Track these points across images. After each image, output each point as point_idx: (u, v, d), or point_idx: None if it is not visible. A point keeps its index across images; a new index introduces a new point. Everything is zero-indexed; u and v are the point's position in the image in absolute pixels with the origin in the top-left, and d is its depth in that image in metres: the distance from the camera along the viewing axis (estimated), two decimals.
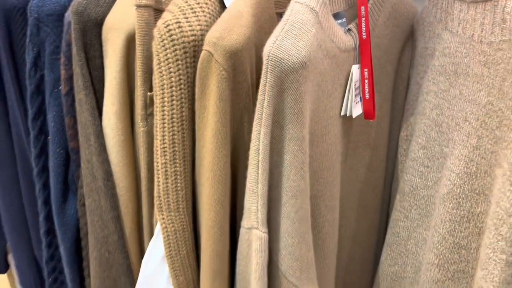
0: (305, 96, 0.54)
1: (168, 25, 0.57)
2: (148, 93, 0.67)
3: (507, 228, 0.45)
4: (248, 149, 0.58)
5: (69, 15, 0.71)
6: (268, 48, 0.52)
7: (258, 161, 0.55)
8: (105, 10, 0.68)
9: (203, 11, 0.60)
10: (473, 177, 0.53)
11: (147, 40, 0.65)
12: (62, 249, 0.84)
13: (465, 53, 0.54)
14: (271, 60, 0.52)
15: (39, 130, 0.80)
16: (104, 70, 0.69)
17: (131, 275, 0.75)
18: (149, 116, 0.68)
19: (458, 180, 0.55)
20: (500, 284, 0.49)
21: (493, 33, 0.49)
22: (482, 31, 0.51)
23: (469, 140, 0.53)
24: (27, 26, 0.80)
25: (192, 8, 0.59)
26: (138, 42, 0.64)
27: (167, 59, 0.58)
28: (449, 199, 0.57)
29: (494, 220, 0.47)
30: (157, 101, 0.60)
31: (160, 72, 0.58)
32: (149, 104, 0.67)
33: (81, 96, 0.68)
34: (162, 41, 0.57)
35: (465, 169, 0.54)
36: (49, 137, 0.79)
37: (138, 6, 0.64)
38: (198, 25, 0.59)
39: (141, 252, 0.76)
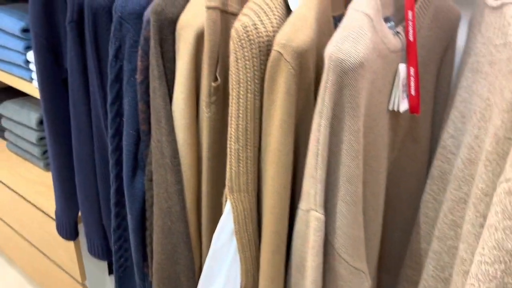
0: (362, 92, 0.62)
1: (246, 26, 0.66)
2: (212, 83, 0.77)
3: (484, 206, 0.51)
4: (307, 138, 0.66)
5: (148, 14, 0.82)
6: (330, 50, 0.60)
7: (318, 149, 0.63)
8: (179, 10, 0.78)
9: (274, 14, 0.69)
10: (472, 163, 0.59)
11: (213, 37, 0.75)
12: (129, 218, 0.96)
13: (483, 52, 0.60)
14: (333, 61, 0.60)
15: (115, 113, 0.93)
16: (176, 62, 0.80)
17: (189, 242, 0.86)
18: (212, 103, 0.78)
19: (461, 165, 0.61)
20: None
21: (498, 36, 0.55)
22: (493, 34, 0.57)
23: (473, 130, 0.59)
24: (111, 23, 0.92)
25: (265, 12, 0.68)
26: (206, 38, 0.74)
27: (244, 57, 0.67)
28: (453, 181, 0.63)
29: (473, 199, 0.53)
30: (233, 93, 0.69)
31: (237, 68, 0.68)
32: (212, 93, 0.77)
33: (155, 84, 0.79)
34: (240, 41, 0.67)
35: (467, 155, 0.60)
36: (124, 119, 0.91)
37: (208, 8, 0.74)
38: (271, 26, 0.68)
39: (199, 223, 0.86)
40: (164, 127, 0.80)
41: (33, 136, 1.57)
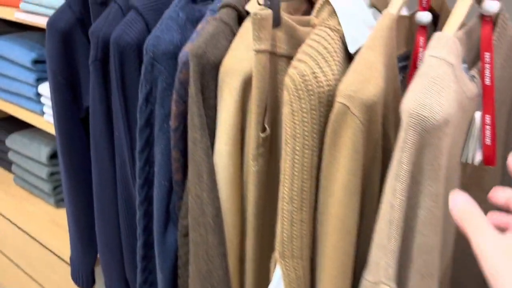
0: (444, 151, 0.53)
1: (304, 75, 0.58)
2: (261, 134, 0.68)
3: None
4: (372, 199, 0.57)
5: (184, 55, 0.74)
6: (410, 105, 0.52)
7: (393, 217, 0.54)
8: (221, 53, 0.70)
9: (333, 59, 0.61)
10: None
11: (263, 83, 0.66)
12: (160, 276, 0.86)
13: None
14: (413, 118, 0.51)
15: (145, 162, 0.84)
16: (218, 110, 0.71)
17: None
18: (259, 156, 0.69)
19: None
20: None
21: None
22: None
23: None
24: (138, 62, 0.84)
25: (324, 57, 0.60)
26: (255, 85, 0.66)
27: (301, 109, 0.59)
28: None
29: None
30: (287, 149, 0.61)
31: (293, 122, 0.59)
32: (261, 144, 0.69)
33: (196, 135, 0.71)
34: (297, 91, 0.58)
35: None
36: (155, 169, 0.82)
37: (257, 51, 0.65)
38: (332, 74, 0.60)
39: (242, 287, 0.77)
40: (206, 182, 0.71)
41: (43, 171, 1.47)
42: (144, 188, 0.86)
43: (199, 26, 0.78)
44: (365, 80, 0.58)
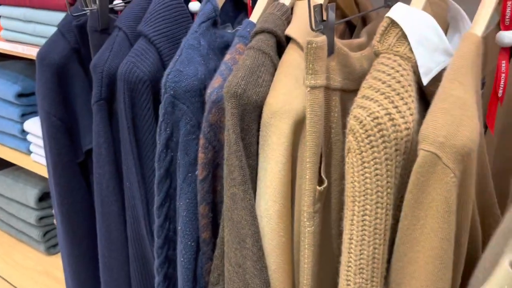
0: None
1: (377, 117, 0.47)
2: (317, 187, 0.56)
3: None
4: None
5: (214, 92, 0.61)
6: None
7: None
8: (265, 90, 0.58)
9: (410, 96, 0.49)
10: None
11: (319, 127, 0.54)
12: None
13: None
14: None
15: (165, 218, 0.70)
16: (262, 159, 0.58)
17: None
18: (315, 213, 0.57)
19: None
20: None
21: None
22: None
23: None
24: (152, 100, 0.71)
25: (398, 93, 0.48)
26: (310, 128, 0.53)
27: (374, 159, 0.47)
28: None
29: None
30: (355, 209, 0.48)
31: (363, 175, 0.47)
32: (317, 199, 0.56)
33: (237, 191, 0.58)
34: (368, 137, 0.46)
35: None
36: (178, 227, 0.68)
37: (312, 88, 0.53)
38: (410, 114, 0.48)
39: None
40: (250, 248, 0.58)
41: (31, 215, 1.31)
42: (164, 248, 0.72)
43: (227, 56, 0.65)
44: (457, 122, 0.46)
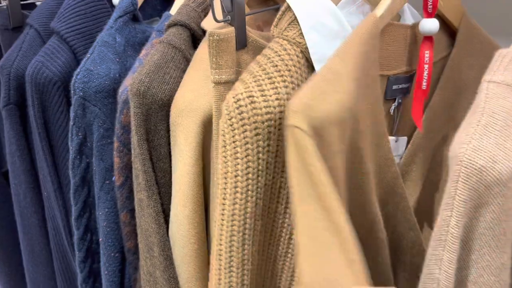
0: (510, 212, 0.38)
1: (239, 99, 0.43)
2: None
3: None
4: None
5: (124, 92, 0.56)
6: (460, 150, 0.37)
7: None
8: (172, 87, 0.53)
9: (284, 80, 0.45)
10: None
11: None
12: None
13: None
14: (465, 167, 0.36)
15: (84, 229, 0.65)
16: (172, 161, 0.54)
17: None
18: None
19: None
20: None
21: None
22: None
23: None
24: (65, 102, 0.66)
25: (270, 78, 0.45)
26: (216, 127, 0.49)
27: (234, 142, 0.44)
28: None
29: None
30: (218, 191, 0.45)
31: (225, 157, 0.44)
32: None
33: (142, 197, 0.53)
34: (229, 119, 0.44)
35: None
36: (99, 239, 0.63)
37: (217, 83, 0.49)
38: (276, 99, 0.44)
39: None
40: (157, 257, 0.53)
41: None
42: (86, 262, 0.67)
43: (143, 52, 0.61)
44: (322, 94, 0.42)
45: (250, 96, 0.44)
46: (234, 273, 0.47)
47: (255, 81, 0.45)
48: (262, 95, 0.45)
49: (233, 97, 0.44)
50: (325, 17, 0.48)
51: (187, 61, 0.56)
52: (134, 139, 0.52)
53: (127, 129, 0.58)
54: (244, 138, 0.44)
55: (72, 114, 0.60)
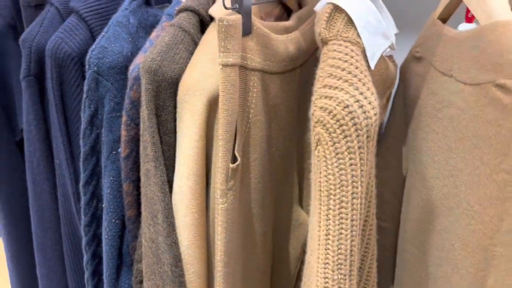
0: None
1: (347, 106, 0.45)
2: (230, 165, 0.56)
3: None
4: None
5: (135, 69, 0.61)
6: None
7: None
8: (181, 67, 0.58)
9: (369, 80, 0.48)
10: None
11: (232, 104, 0.54)
12: None
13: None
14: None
15: (91, 196, 0.70)
16: (178, 136, 0.59)
17: None
18: (229, 190, 0.57)
19: None
20: None
21: None
22: None
23: None
24: (81, 77, 0.70)
25: (360, 80, 0.47)
26: (222, 106, 0.54)
27: (348, 149, 0.46)
28: None
29: None
30: (330, 202, 0.47)
31: (338, 166, 0.46)
32: (230, 176, 0.57)
33: (149, 167, 0.58)
34: (340, 127, 0.46)
35: None
36: (103, 205, 0.68)
37: (224, 65, 0.53)
38: (375, 99, 0.47)
39: None
40: (161, 224, 0.58)
41: None
42: (91, 227, 0.72)
43: (153, 34, 0.65)
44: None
45: (356, 101, 0.46)
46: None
47: (350, 86, 0.47)
48: (364, 98, 0.47)
49: (338, 105, 0.46)
50: (369, 15, 0.51)
51: (195, 44, 0.61)
52: (145, 113, 0.57)
53: (135, 104, 0.62)
54: (358, 143, 0.46)
55: (85, 88, 0.64)
